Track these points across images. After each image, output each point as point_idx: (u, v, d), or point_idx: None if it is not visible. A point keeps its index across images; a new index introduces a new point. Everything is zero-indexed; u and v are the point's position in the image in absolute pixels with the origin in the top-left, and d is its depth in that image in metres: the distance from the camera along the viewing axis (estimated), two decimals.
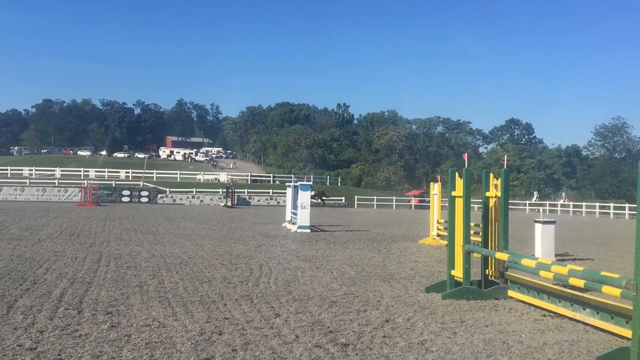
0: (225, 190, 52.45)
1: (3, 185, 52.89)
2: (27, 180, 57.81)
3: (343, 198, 64.98)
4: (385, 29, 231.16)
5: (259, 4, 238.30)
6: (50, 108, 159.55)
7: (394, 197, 68.98)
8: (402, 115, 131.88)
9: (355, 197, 64.86)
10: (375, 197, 66.66)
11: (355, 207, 61.21)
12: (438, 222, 19.06)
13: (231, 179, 71.23)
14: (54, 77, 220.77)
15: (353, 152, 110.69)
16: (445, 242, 11.94)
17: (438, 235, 18.92)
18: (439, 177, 23.62)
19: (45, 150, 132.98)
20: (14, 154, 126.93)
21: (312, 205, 47.37)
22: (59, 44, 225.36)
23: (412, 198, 68.95)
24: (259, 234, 21.27)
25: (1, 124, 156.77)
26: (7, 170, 68.29)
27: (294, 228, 23.11)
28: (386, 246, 17.84)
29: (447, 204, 10.19)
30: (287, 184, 31.44)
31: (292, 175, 75.61)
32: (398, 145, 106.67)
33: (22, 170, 69.52)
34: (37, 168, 70.61)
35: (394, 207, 63.16)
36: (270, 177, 78.85)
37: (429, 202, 26.57)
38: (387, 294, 9.45)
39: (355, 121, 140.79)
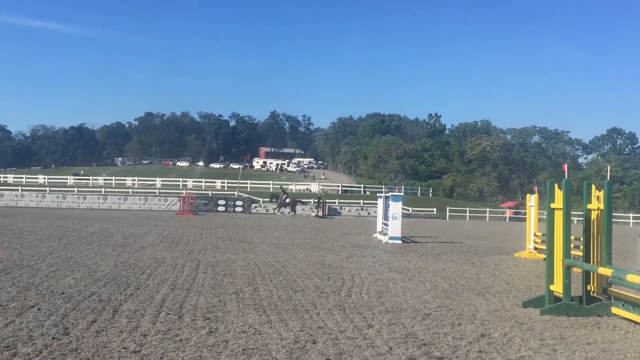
0: (316, 200, 52.94)
1: (108, 195, 55.86)
2: (130, 190, 60.72)
3: (434, 209, 64.09)
4: (478, 36, 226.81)
5: (350, 16, 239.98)
6: (151, 121, 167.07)
7: (487, 209, 67.38)
8: (495, 125, 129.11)
9: (447, 208, 63.82)
10: (467, 209, 65.31)
11: (447, 218, 60.20)
12: (535, 235, 18.46)
13: (322, 189, 71.87)
14: (156, 91, 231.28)
15: (445, 163, 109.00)
16: (543, 256, 11.54)
17: (535, 248, 18.31)
18: (536, 189, 22.86)
19: (147, 161, 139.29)
20: (118, 164, 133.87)
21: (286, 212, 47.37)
22: (160, 60, 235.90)
23: (507, 210, 67.05)
24: (350, 244, 21.32)
25: (107, 136, 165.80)
26: (112, 180, 72.00)
27: (385, 239, 23.01)
28: (480, 259, 17.45)
29: (544, 217, 9.86)
30: (377, 194, 31.34)
31: (383, 186, 75.22)
32: (492, 156, 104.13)
33: (125, 180, 73.09)
34: (139, 178, 74.03)
35: (487, 219, 61.63)
36: (360, 187, 78.90)
37: (524, 214, 25.78)
38: (482, 307, 9.24)
39: (447, 131, 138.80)
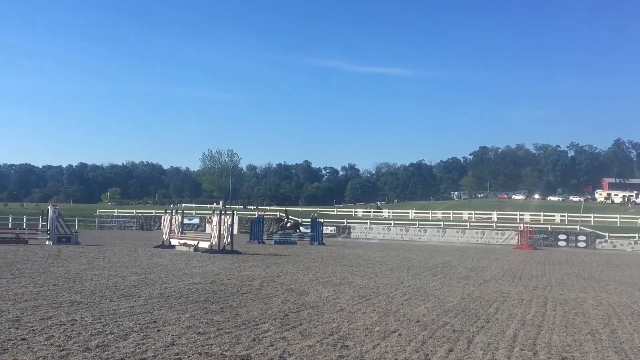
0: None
1: (447, 228, 57.74)
2: (467, 223, 61.66)
3: None
4: None
5: None
6: (485, 154, 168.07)
7: None
8: None
9: None
10: None
11: None
12: None
13: None
14: (489, 125, 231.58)
15: None
16: None
17: None
18: None
19: (482, 195, 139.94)
20: (454, 198, 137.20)
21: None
22: (494, 94, 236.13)
23: None
24: None
25: (443, 171, 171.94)
26: (449, 213, 74.11)
27: None
28: None
29: None
30: None
31: None
32: None
33: (462, 213, 74.52)
34: (475, 212, 74.75)
35: None
36: None
37: None
38: None
39: None
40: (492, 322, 9.89)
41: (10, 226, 51.64)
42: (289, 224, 49.75)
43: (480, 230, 55.94)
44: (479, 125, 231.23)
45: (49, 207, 30.70)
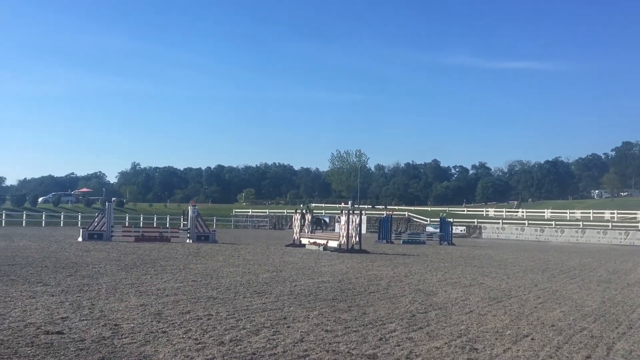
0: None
1: (586, 228, 54.61)
2: (609, 224, 57.94)
3: None
4: None
5: None
6: (630, 150, 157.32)
7: None
8: None
9: None
10: None
11: None
12: None
13: None
14: (634, 118, 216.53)
15: None
16: None
17: None
18: None
19: (626, 193, 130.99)
20: (594, 197, 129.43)
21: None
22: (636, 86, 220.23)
23: None
24: None
25: (582, 168, 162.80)
26: (589, 213, 70.03)
27: None
28: None
29: None
30: None
31: None
32: None
33: (603, 213, 70.08)
34: (618, 211, 70.04)
35: None
36: None
37: None
38: None
39: None
40: (635, 328, 9.26)
41: (155, 225, 55.28)
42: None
43: (624, 231, 52.42)
44: (621, 119, 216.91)
45: (189, 207, 32.54)
